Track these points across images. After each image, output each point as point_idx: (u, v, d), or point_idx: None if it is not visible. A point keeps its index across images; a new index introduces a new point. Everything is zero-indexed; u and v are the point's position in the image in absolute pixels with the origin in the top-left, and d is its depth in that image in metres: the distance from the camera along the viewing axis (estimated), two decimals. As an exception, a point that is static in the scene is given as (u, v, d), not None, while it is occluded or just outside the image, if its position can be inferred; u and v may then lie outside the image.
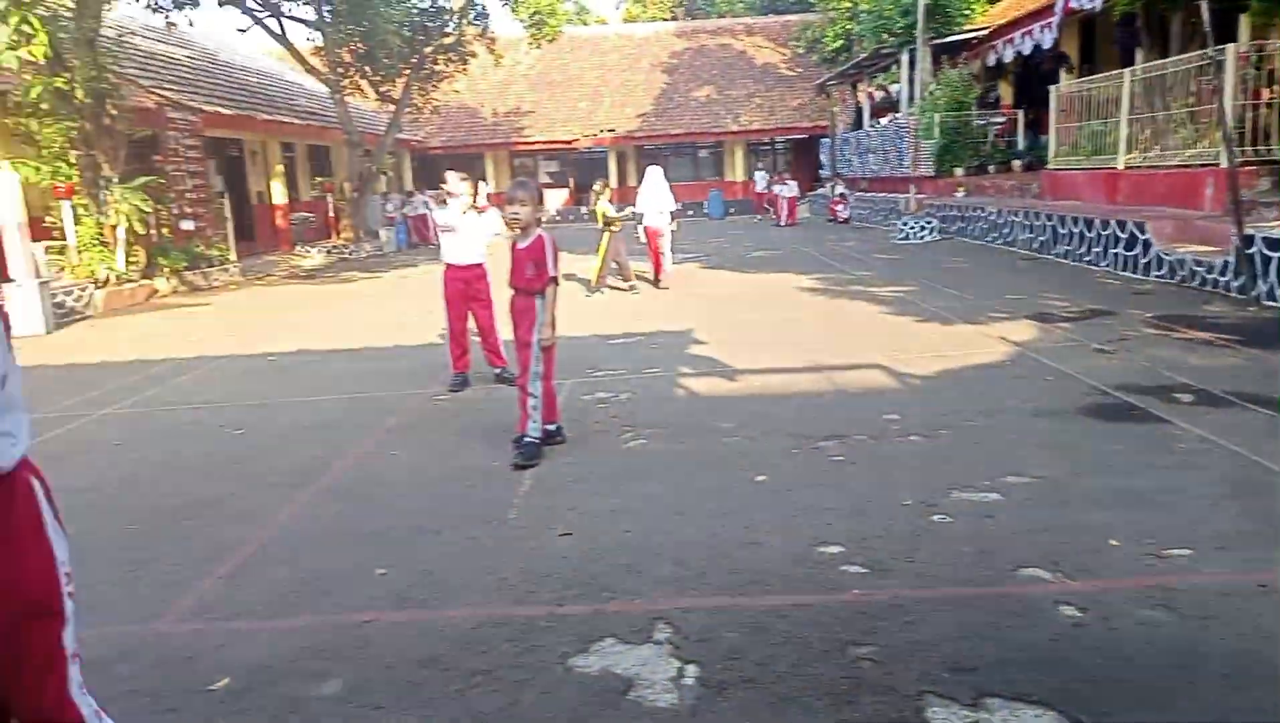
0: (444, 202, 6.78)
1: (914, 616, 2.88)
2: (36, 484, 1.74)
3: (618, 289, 11.67)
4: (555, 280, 4.74)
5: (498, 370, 6.71)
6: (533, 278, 4.74)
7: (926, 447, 4.58)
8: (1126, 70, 12.15)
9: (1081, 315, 7.84)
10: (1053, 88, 14.46)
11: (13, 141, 12.88)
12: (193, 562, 3.64)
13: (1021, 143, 18.16)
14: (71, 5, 12.30)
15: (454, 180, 6.73)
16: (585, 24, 41.15)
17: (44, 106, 12.18)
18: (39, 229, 13.42)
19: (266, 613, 3.16)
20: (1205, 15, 8.42)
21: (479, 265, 6.65)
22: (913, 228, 16.11)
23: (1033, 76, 19.33)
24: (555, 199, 32.79)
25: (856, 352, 6.90)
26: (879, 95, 23.87)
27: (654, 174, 12.42)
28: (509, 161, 33.59)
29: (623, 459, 4.70)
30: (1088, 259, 10.89)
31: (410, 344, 8.56)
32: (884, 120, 22.64)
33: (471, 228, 6.56)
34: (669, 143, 32.91)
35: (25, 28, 10.73)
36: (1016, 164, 17.19)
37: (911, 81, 20.64)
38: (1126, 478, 3.98)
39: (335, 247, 20.74)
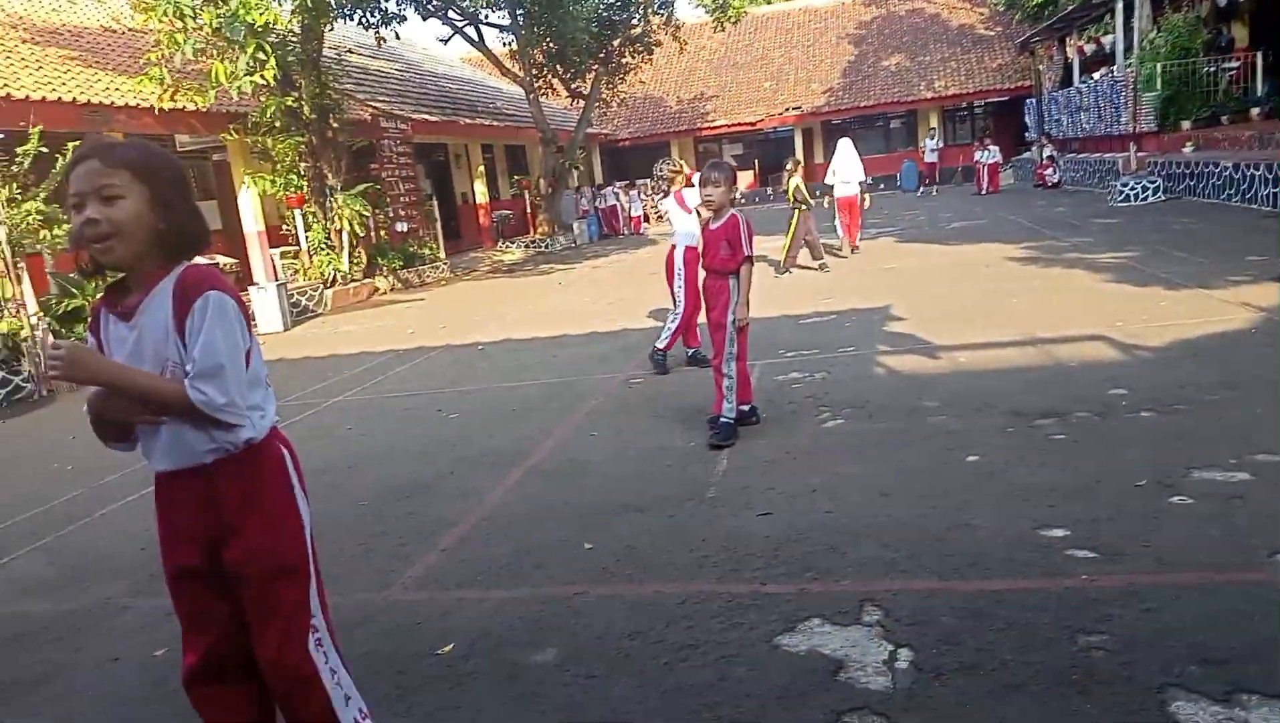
0: (664, 191, 6.92)
1: (1152, 603, 2.64)
2: (285, 453, 1.92)
3: (808, 268, 11.46)
4: (750, 260, 4.70)
5: (690, 351, 6.76)
6: (727, 258, 4.73)
7: (1161, 423, 4.20)
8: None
9: (1344, 275, 6.92)
10: (1301, 22, 12.81)
11: (251, 158, 14.29)
12: (418, 536, 3.90)
13: (1260, 89, 16.22)
14: (297, 30, 13.46)
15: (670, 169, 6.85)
16: (769, 2, 40.50)
17: (277, 124, 13.42)
18: (275, 236, 14.87)
19: (485, 584, 3.34)
20: None
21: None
22: (1134, 189, 14.79)
23: (1273, 14, 17.21)
24: (740, 182, 32.58)
25: (1075, 324, 6.41)
26: (1090, 48, 22.02)
27: (844, 146, 12.10)
28: (694, 148, 33.72)
29: (820, 439, 4.61)
30: (1350, 212, 9.59)
31: (604, 330, 8.79)
32: (1097, 75, 20.89)
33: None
34: (857, 116, 31.90)
35: (259, 55, 11.85)
36: (1255, 112, 15.38)
37: (1129, 30, 18.92)
38: None
39: (533, 241, 21.62)
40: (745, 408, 4.90)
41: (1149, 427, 4.17)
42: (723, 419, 4.75)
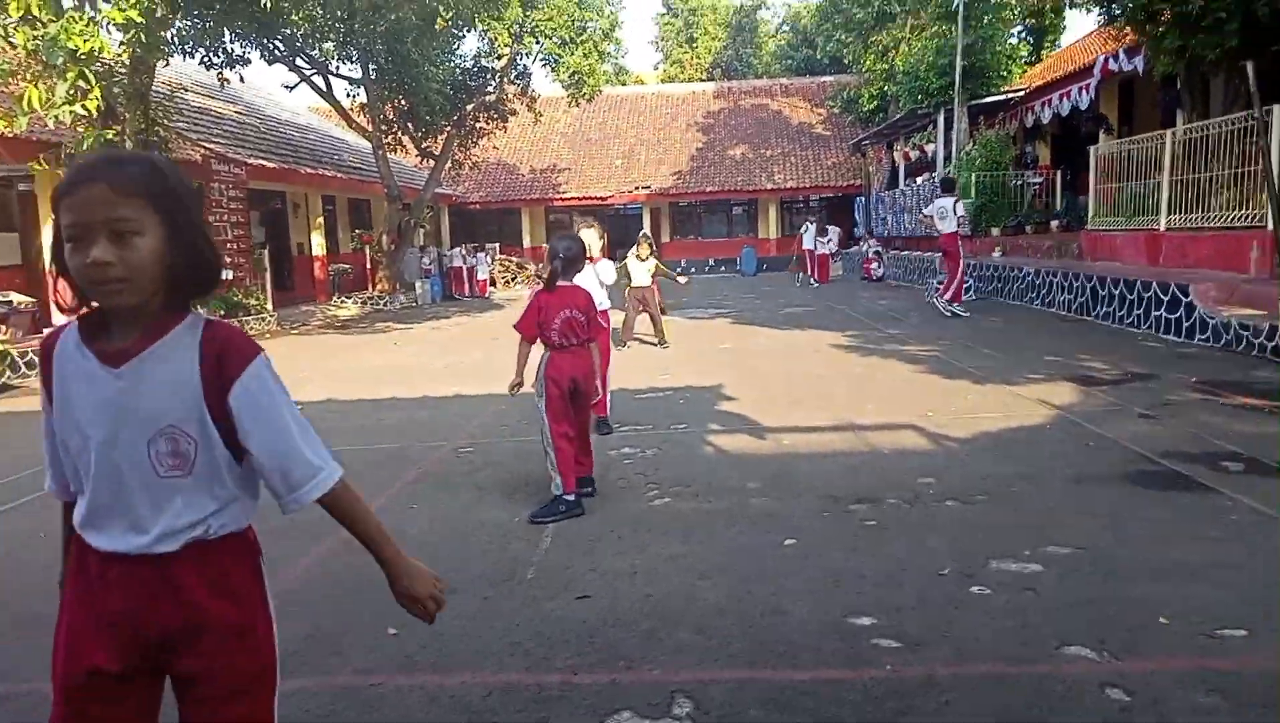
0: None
1: (951, 694, 2.70)
2: (255, 540, 1.68)
3: (648, 342, 11.61)
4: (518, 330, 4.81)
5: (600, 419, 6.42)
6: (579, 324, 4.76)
7: (963, 513, 4.40)
8: (1168, 131, 12.03)
9: (1123, 379, 7.62)
10: (1092, 148, 14.37)
11: (62, 191, 13.24)
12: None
13: (1059, 203, 18.03)
14: (126, 61, 12.70)
15: (591, 236, 6.60)
16: (624, 84, 41.87)
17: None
18: (83, 276, 13.73)
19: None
20: (1251, 76, 8.32)
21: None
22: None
23: (1071, 137, 19.30)
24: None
25: (890, 411, 6.73)
26: (914, 155, 23.90)
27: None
28: (545, 217, 33.99)
29: (646, 518, 4.57)
30: (1129, 321, 10.65)
31: (437, 394, 8.53)
32: (919, 180, 22.63)
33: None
34: (703, 200, 33.16)
35: (82, 83, 11.06)
36: (1054, 224, 17.04)
37: (948, 142, 20.67)
38: (1175, 550, 3.77)
39: (371, 297, 20.99)
40: (570, 497, 4.66)
41: (953, 516, 4.37)
42: (554, 493, 4.65)
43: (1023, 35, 27.72)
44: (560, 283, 4.79)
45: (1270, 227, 9.12)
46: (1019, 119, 20.05)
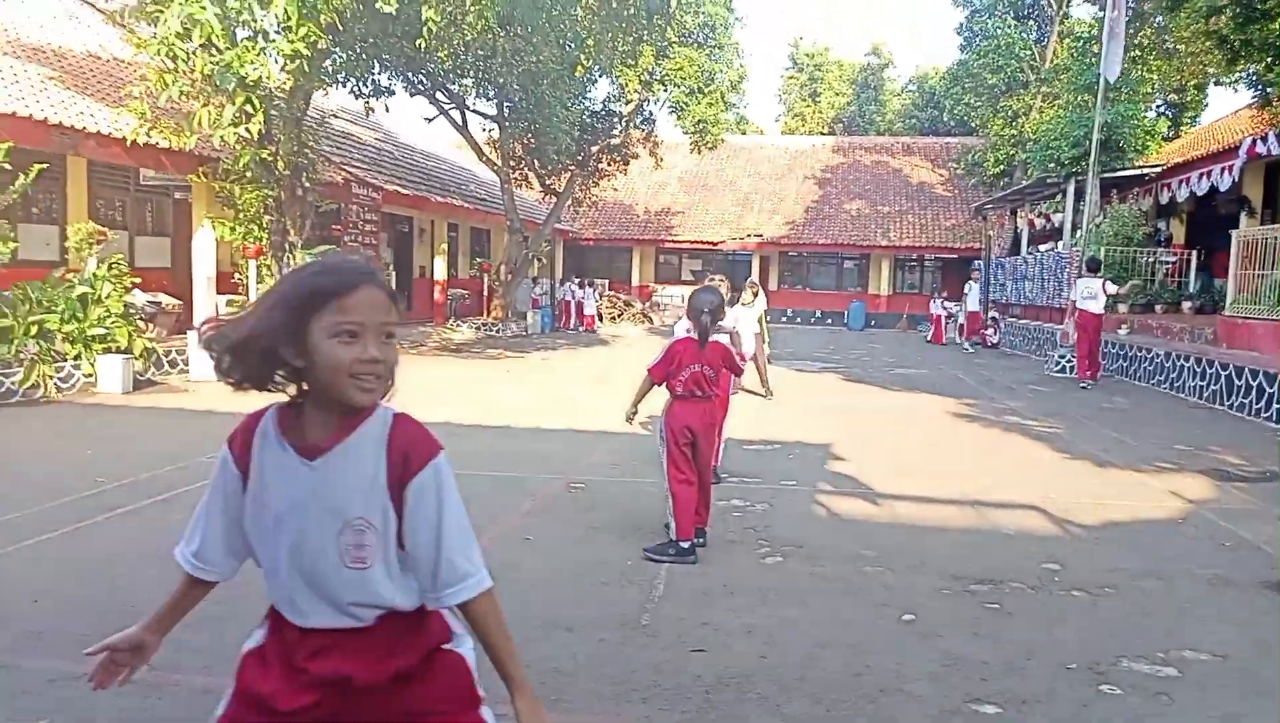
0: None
1: (1081, 799, 2.62)
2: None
3: (755, 393, 11.59)
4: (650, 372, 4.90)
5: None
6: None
7: (1091, 605, 4.25)
8: (1321, 220, 11.45)
9: (1261, 477, 7.22)
10: (1234, 232, 13.75)
11: (214, 203, 14.13)
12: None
13: (1193, 285, 17.28)
14: (286, 89, 13.55)
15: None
16: (744, 133, 42.20)
17: (248, 174, 13.33)
18: (224, 284, 14.59)
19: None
20: None
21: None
22: (1070, 361, 15.41)
23: (1208, 217, 18.52)
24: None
25: (1009, 489, 6.55)
26: (1040, 222, 23.31)
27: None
28: (655, 257, 34.41)
29: (758, 576, 4.56)
30: (1266, 415, 10.09)
31: (549, 427, 8.71)
32: (1043, 248, 22.04)
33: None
34: (814, 251, 33.03)
35: (247, 107, 11.86)
36: (1186, 306, 16.33)
37: (1077, 211, 20.09)
38: (1327, 672, 3.56)
39: (485, 324, 21.60)
40: (684, 544, 4.71)
41: (1080, 607, 4.22)
42: (671, 536, 4.73)
43: (1161, 110, 26.88)
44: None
45: None
46: (1153, 195, 19.37)
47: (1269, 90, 12.61)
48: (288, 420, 1.59)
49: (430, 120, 22.00)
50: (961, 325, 24.35)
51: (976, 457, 7.84)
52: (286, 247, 13.98)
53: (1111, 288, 13.29)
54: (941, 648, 3.69)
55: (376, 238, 17.74)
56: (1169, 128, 26.53)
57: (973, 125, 31.41)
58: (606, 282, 31.16)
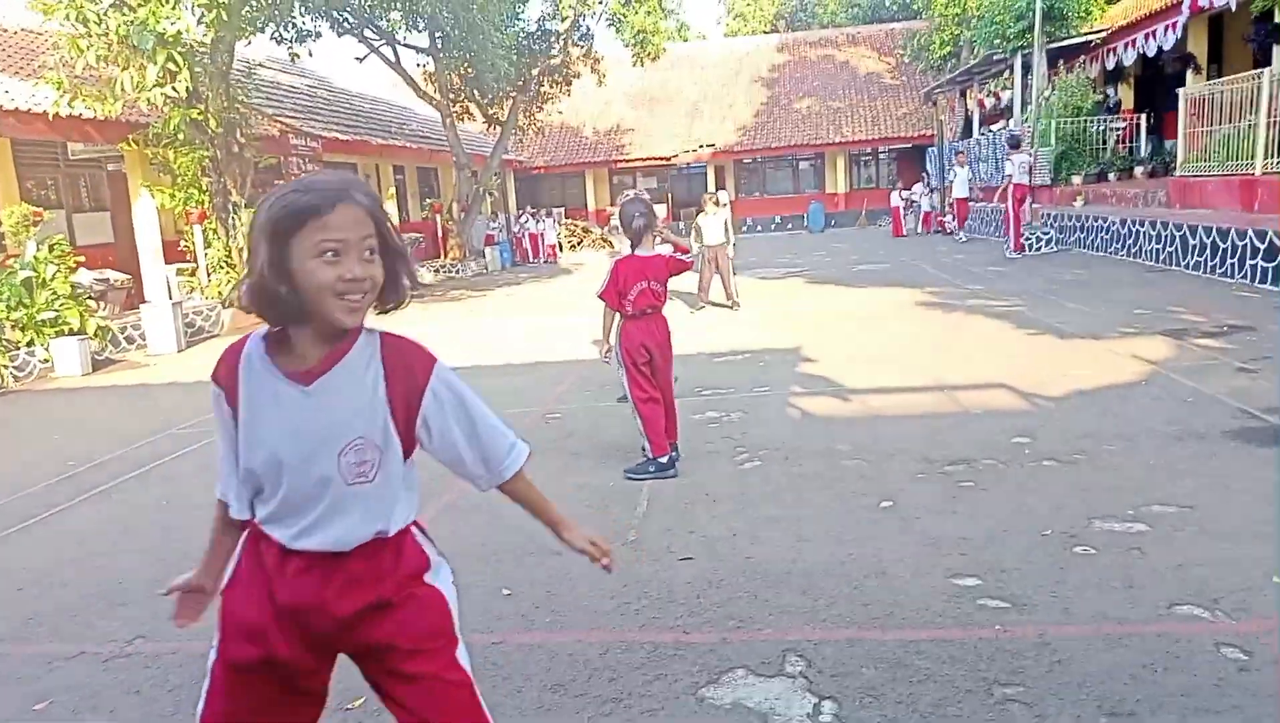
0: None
1: (1062, 654, 2.73)
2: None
3: (721, 305, 11.61)
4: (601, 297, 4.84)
5: None
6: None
7: (1061, 472, 4.37)
8: (1265, 70, 11.46)
9: (1219, 331, 7.38)
10: (1181, 90, 13.76)
11: (150, 170, 13.70)
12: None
13: (1144, 149, 17.34)
14: (205, 42, 13.03)
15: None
16: (685, 40, 41.27)
17: (180, 136, 12.91)
18: (172, 252, 14.26)
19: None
20: (1357, 9, 7.87)
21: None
22: (1029, 239, 15.53)
23: (1155, 79, 18.48)
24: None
25: (976, 370, 6.66)
26: (990, 102, 23.16)
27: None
28: (609, 179, 33.96)
29: (738, 481, 4.64)
30: (1221, 271, 10.26)
31: (519, 362, 8.70)
32: (995, 128, 21.95)
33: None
34: (768, 156, 32.73)
35: (170, 65, 11.40)
36: (1139, 171, 16.41)
37: (1025, 87, 19.97)
38: (1288, 510, 3.70)
39: (443, 266, 21.33)
40: (663, 459, 4.77)
41: (1051, 476, 4.34)
42: (647, 454, 4.78)
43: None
44: (638, 252, 4.84)
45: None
46: (1100, 61, 19.25)
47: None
48: (274, 346, 1.56)
49: (361, 60, 21.29)
50: (927, 214, 24.39)
51: (943, 343, 7.94)
52: (229, 207, 13.65)
53: (1024, 158, 15.14)
54: (920, 530, 3.79)
55: (322, 188, 17.32)
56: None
57: (916, 8, 30.93)
58: (563, 209, 30.74)
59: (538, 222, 25.19)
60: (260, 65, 18.21)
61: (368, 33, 20.14)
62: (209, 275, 13.76)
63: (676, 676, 2.77)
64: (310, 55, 19.13)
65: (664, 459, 4.76)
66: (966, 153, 21.97)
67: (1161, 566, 3.28)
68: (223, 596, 1.65)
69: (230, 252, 13.79)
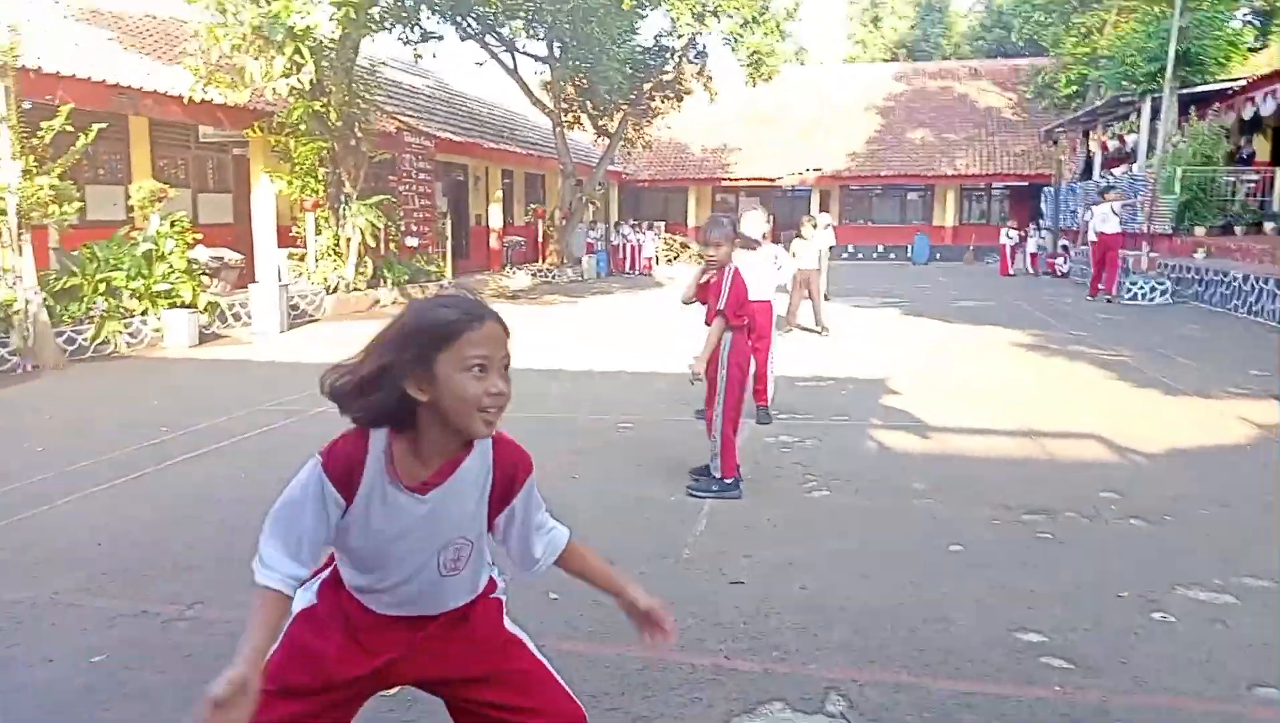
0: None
1: (1125, 725, 2.56)
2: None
3: (810, 330, 11.44)
4: (721, 314, 4.64)
5: (760, 407, 6.44)
6: (715, 304, 4.72)
7: (1148, 533, 4.12)
8: None
9: (1345, 402, 6.87)
10: (1323, 144, 12.94)
11: (271, 157, 14.33)
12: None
13: (1277, 204, 16.37)
14: (334, 37, 13.58)
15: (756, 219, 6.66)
16: (802, 64, 41.02)
17: (302, 127, 13.46)
18: (284, 237, 14.86)
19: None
20: None
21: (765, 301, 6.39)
22: (1142, 288, 14.83)
23: (1297, 132, 17.46)
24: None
25: (1071, 419, 6.36)
26: (1113, 145, 22.26)
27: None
28: (712, 196, 33.94)
29: (803, 510, 4.53)
30: (1355, 337, 9.58)
31: (600, 369, 8.73)
32: (1117, 171, 21.07)
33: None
34: (876, 184, 32.20)
35: (297, 58, 11.91)
36: (1269, 226, 15.49)
37: (1152, 132, 19.12)
38: (1400, 599, 3.40)
39: (540, 270, 21.64)
40: (729, 481, 4.68)
41: (1137, 536, 4.10)
42: (712, 472, 4.70)
43: (1247, 19, 25.25)
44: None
45: None
46: (1236, 110, 18.28)
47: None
48: (393, 456, 1.60)
49: (481, 65, 21.84)
50: (1034, 255, 23.57)
51: (1038, 388, 7.63)
52: (342, 198, 14.15)
53: (1118, 208, 15.31)
54: (988, 578, 3.63)
55: (431, 186, 17.81)
56: (1255, 36, 24.94)
57: (1043, 45, 29.99)
58: (664, 223, 30.82)
59: (637, 233, 25.33)
60: (383, 64, 18.89)
61: (489, 39, 20.66)
62: (316, 261, 14.29)
63: (712, 701, 2.70)
64: (434, 57, 19.73)
65: (730, 481, 4.68)
66: (1120, 191, 18.74)
67: (1246, 642, 3.06)
68: (295, 617, 1.68)
69: (339, 240, 14.29)
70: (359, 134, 14.46)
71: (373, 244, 14.51)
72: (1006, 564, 3.77)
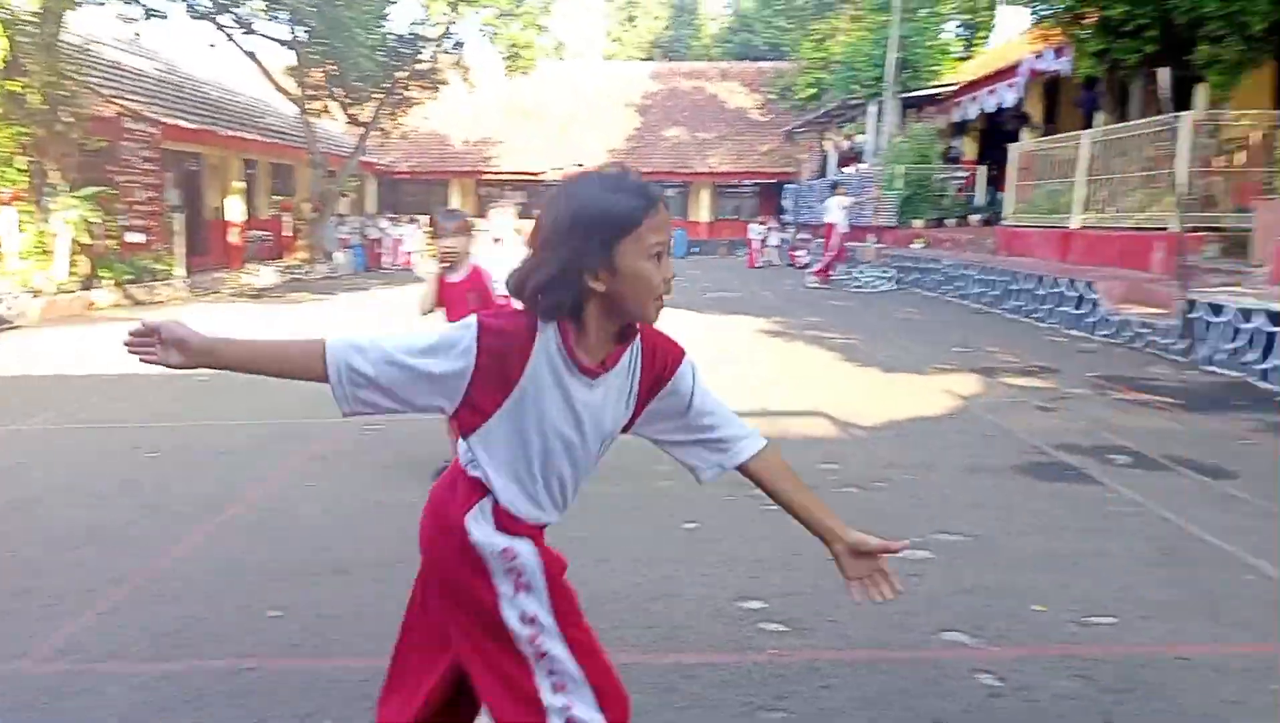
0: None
1: (830, 679, 2.75)
2: None
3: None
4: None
5: None
6: (477, 309, 4.59)
7: (862, 499, 4.48)
8: (1086, 132, 12.41)
9: (1026, 371, 7.85)
10: (1012, 146, 14.74)
11: (-41, 144, 12.54)
12: (76, 594, 3.40)
13: (980, 198, 18.47)
14: (34, 10, 12.07)
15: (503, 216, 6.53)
16: (562, 59, 41.34)
17: (-4, 110, 11.88)
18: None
19: (142, 655, 2.93)
20: (1164, 83, 8.60)
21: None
22: (869, 277, 16.23)
23: (997, 134, 19.76)
24: (526, 229, 32.77)
25: (802, 398, 6.82)
26: (845, 145, 24.22)
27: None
28: (475, 190, 33.51)
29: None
30: (1037, 316, 10.98)
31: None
32: (849, 169, 22.93)
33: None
34: (637, 180, 33.05)
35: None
36: (974, 218, 17.45)
37: (878, 133, 20.96)
38: (1057, 540, 3.91)
39: (289, 266, 20.42)
40: None
41: (853, 502, 4.44)
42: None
43: (957, 31, 28.27)
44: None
45: (1173, 229, 9.46)
46: (947, 114, 20.44)
47: (1042, 9, 13.41)
48: (571, 339, 1.56)
49: (214, 47, 20.24)
50: (792, 249, 25.09)
51: (775, 370, 8.12)
52: (47, 190, 12.63)
53: (846, 204, 16.55)
54: (720, 552, 3.80)
55: (158, 178, 16.31)
56: (964, 47, 27.97)
57: (785, 49, 32.07)
58: (427, 217, 30.05)
59: (397, 227, 24.52)
60: (99, 42, 17.06)
61: (223, 19, 19.17)
62: (18, 261, 12.64)
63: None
64: (163, 36, 18.04)
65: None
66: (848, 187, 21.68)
67: (939, 592, 3.38)
68: (550, 568, 1.70)
69: (45, 237, 12.74)
70: (67, 119, 12.96)
71: (87, 241, 13.06)
72: (736, 537, 3.96)
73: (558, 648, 1.66)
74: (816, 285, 15.84)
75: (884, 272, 16.37)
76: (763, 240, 25.06)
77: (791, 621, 3.14)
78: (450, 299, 4.66)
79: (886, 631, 3.08)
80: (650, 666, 2.83)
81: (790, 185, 29.06)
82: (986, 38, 29.53)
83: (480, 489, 1.66)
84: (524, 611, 1.66)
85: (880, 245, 18.43)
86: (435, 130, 32.13)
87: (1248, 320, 7.26)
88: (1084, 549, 3.80)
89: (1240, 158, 10.30)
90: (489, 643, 1.67)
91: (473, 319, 1.57)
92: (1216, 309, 7.76)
